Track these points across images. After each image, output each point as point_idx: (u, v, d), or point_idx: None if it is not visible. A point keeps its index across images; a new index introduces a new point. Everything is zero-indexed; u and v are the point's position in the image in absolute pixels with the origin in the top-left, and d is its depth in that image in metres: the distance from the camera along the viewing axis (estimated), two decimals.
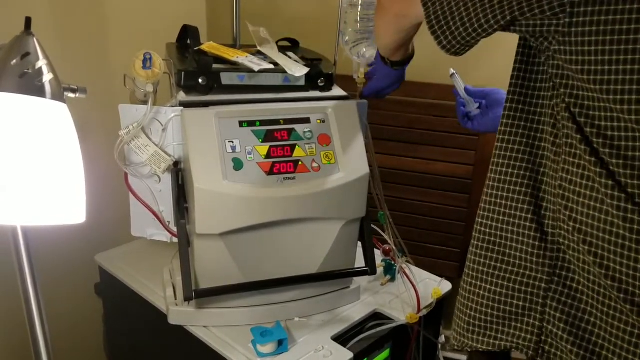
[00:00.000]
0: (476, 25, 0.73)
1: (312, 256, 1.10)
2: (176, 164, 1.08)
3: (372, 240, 1.17)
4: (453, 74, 1.22)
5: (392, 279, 1.31)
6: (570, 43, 0.67)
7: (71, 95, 0.54)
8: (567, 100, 0.70)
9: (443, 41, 0.78)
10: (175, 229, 1.14)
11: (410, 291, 1.24)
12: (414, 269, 1.31)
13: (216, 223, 1.01)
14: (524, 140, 0.78)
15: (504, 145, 0.80)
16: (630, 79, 0.63)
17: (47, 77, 0.49)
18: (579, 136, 0.70)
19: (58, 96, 0.49)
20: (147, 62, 0.96)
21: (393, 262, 1.29)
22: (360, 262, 1.17)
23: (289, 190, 1.02)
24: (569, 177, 0.72)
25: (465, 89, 1.20)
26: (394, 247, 1.25)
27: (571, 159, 0.71)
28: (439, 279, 1.33)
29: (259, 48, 1.23)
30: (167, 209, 1.13)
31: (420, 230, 1.97)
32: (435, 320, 1.30)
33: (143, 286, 1.23)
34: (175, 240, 1.14)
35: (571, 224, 0.72)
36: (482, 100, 1.19)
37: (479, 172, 1.86)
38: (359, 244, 1.17)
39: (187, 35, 1.30)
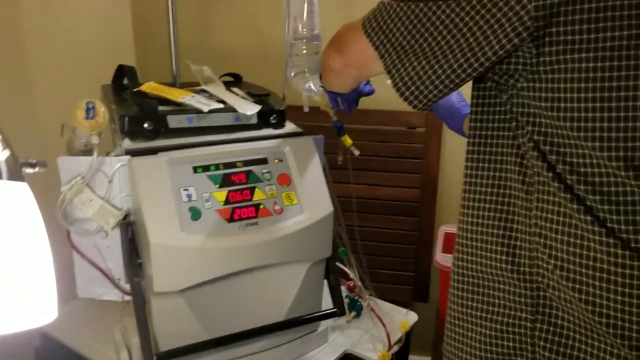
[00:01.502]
0: (447, 82, 0.71)
1: (278, 303, 1.05)
2: (125, 216, 0.99)
3: (339, 280, 1.13)
4: None
5: (358, 315, 1.26)
6: (540, 80, 0.66)
7: (30, 171, 0.47)
8: (535, 138, 0.69)
9: (415, 102, 0.75)
10: (126, 287, 1.05)
11: (378, 326, 1.21)
12: (379, 302, 1.28)
13: (175, 279, 0.93)
14: (490, 182, 0.76)
15: (471, 187, 0.78)
16: (601, 116, 0.63)
17: (2, 155, 0.42)
18: (550, 174, 0.68)
19: (16, 175, 0.42)
20: (89, 111, 0.88)
21: (358, 299, 1.25)
22: (325, 301, 1.12)
23: (253, 236, 0.96)
24: (544, 214, 0.70)
25: None
26: (359, 284, 1.21)
27: (545, 197, 0.70)
28: (404, 310, 1.30)
29: (203, 87, 1.17)
30: (116, 266, 1.04)
31: (371, 257, 1.95)
32: (404, 352, 1.27)
33: (92, 350, 1.12)
34: (128, 298, 1.05)
35: (552, 261, 0.70)
36: None
37: (426, 195, 1.87)
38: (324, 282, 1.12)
39: (123, 75, 1.22)
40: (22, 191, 0.43)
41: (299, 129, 1.13)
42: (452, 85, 0.72)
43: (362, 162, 1.86)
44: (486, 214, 0.77)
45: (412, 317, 1.28)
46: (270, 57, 1.59)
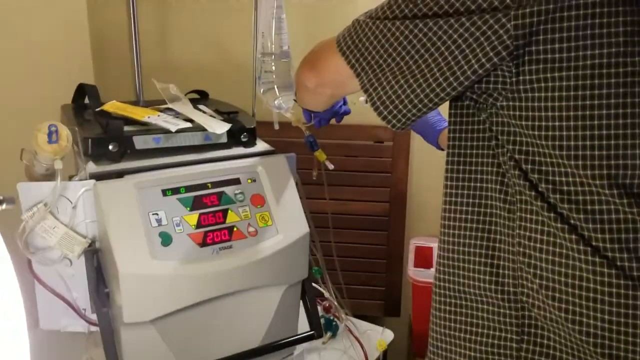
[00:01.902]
0: (426, 101, 0.70)
1: (254, 328, 1.01)
2: (90, 244, 0.94)
3: (315, 301, 1.10)
4: (366, 99, 1.19)
5: (334, 335, 1.24)
6: (520, 99, 0.65)
7: None
8: (516, 157, 0.68)
9: (393, 122, 0.73)
10: (92, 317, 0.99)
11: (355, 346, 1.18)
12: (355, 320, 1.26)
13: (147, 309, 0.89)
14: (470, 200, 0.75)
15: (451, 207, 0.77)
16: (583, 134, 0.63)
17: None
18: (533, 192, 0.68)
19: None
20: (52, 135, 0.83)
21: (334, 319, 1.23)
22: (299, 322, 1.09)
23: (227, 261, 0.92)
24: (527, 233, 0.69)
25: None
26: (335, 304, 1.18)
27: (528, 216, 0.69)
28: (379, 328, 1.28)
29: (169, 105, 1.13)
30: (81, 296, 0.99)
31: (341, 272, 1.93)
32: None
33: None
34: (94, 329, 1.00)
35: (537, 281, 0.69)
36: None
37: (395, 209, 1.86)
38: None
39: (84, 95, 1.17)
40: None
41: (270, 148, 1.10)
42: (431, 105, 0.70)
43: (330, 177, 1.84)
44: (467, 233, 0.75)
45: (388, 335, 1.26)
46: (235, 74, 1.56)
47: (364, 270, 1.91)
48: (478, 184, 0.74)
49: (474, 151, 0.74)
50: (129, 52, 1.27)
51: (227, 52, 1.75)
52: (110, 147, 0.96)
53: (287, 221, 0.99)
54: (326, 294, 1.21)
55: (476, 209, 0.75)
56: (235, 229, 0.95)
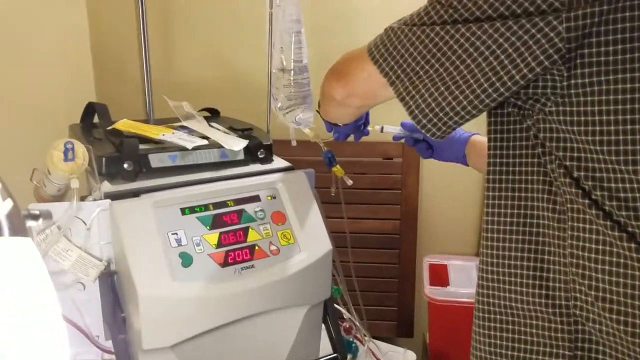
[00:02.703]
0: (470, 108, 0.66)
1: (276, 350, 0.97)
2: (108, 265, 0.90)
3: (338, 322, 1.05)
4: (382, 127, 1.17)
5: (354, 358, 1.19)
6: (571, 103, 0.63)
7: (33, 223, 0.39)
8: (567, 163, 0.65)
9: (433, 130, 0.70)
10: (106, 344, 0.95)
11: None
12: (377, 342, 1.21)
13: (167, 334, 0.84)
14: (516, 211, 0.72)
15: (494, 218, 0.74)
16: None
17: (5, 206, 0.34)
18: (586, 200, 0.64)
19: (20, 229, 0.34)
20: (68, 152, 0.79)
21: (354, 340, 1.18)
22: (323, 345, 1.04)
23: (250, 281, 0.88)
24: (580, 243, 0.66)
25: (403, 125, 1.15)
26: (356, 324, 1.14)
27: (581, 225, 0.66)
28: (401, 349, 1.23)
29: (183, 123, 1.10)
30: (94, 322, 0.94)
31: (355, 292, 1.88)
32: None
33: None
34: (108, 357, 0.95)
35: (592, 293, 0.65)
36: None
37: (406, 226, 1.82)
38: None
39: (93, 114, 1.14)
40: (27, 248, 0.35)
41: (288, 164, 1.07)
42: (474, 112, 0.67)
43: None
44: (513, 245, 0.72)
45: (410, 356, 1.21)
46: (246, 90, 1.54)
47: (376, 290, 1.87)
48: (523, 194, 0.71)
49: (518, 160, 0.71)
50: (134, 70, 1.24)
51: (236, 69, 1.73)
52: (126, 165, 0.93)
53: (310, 238, 0.95)
54: (346, 315, 1.17)
55: (522, 219, 0.71)
56: (256, 247, 0.91)
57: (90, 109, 1.14)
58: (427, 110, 0.69)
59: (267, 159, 1.05)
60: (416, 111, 0.69)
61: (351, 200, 1.82)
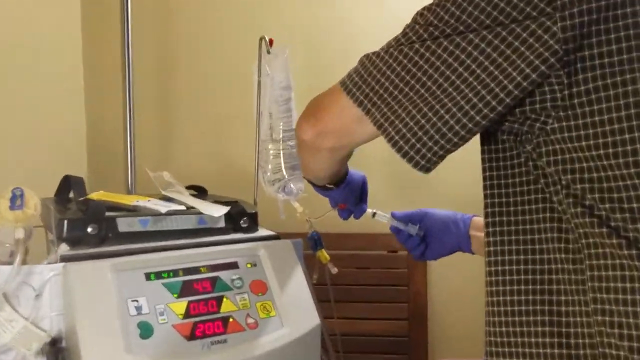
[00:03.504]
0: (458, 128, 0.58)
1: None
2: (54, 342, 0.78)
3: None
4: (374, 213, 1.07)
5: None
6: (575, 116, 0.55)
7: None
8: (577, 189, 0.56)
9: (417, 158, 0.61)
10: None
11: None
12: None
13: None
14: (521, 257, 0.61)
15: (498, 268, 0.63)
16: None
17: None
18: (604, 229, 0.54)
19: None
20: (16, 199, 0.71)
21: None
22: None
23: (221, 357, 0.75)
24: (604, 284, 0.54)
25: (396, 216, 1.05)
26: None
27: (601, 262, 0.54)
28: None
29: (162, 192, 1.02)
30: None
31: None
32: None
33: None
34: None
35: (625, 343, 0.53)
36: (418, 222, 1.03)
37: (415, 328, 1.66)
38: None
39: (69, 187, 1.07)
40: None
41: (274, 233, 0.97)
42: (464, 133, 0.58)
43: (341, 292, 1.67)
44: (523, 298, 0.60)
45: None
46: (237, 174, 1.47)
47: None
48: (529, 237, 0.60)
49: (519, 198, 0.61)
50: (124, 144, 1.18)
51: (228, 156, 1.68)
52: (90, 229, 0.84)
53: (294, 312, 0.83)
54: None
55: (530, 266, 0.60)
56: (231, 319, 0.79)
57: (66, 183, 1.07)
58: (409, 136, 0.60)
59: (251, 228, 0.96)
60: (396, 137, 0.61)
61: (352, 298, 1.68)
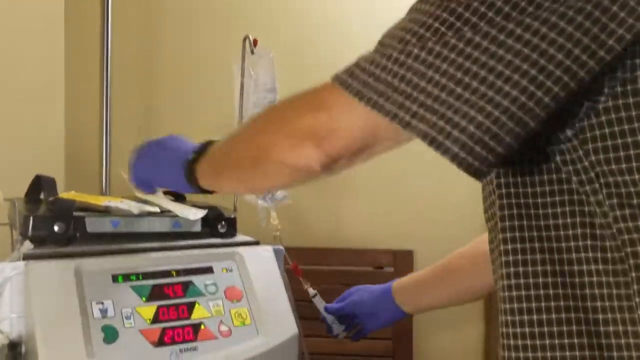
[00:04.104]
0: (522, 114, 0.48)
1: None
2: (14, 346, 0.72)
3: None
4: (315, 294, 1.04)
5: None
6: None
7: None
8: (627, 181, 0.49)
9: (470, 160, 0.50)
10: None
11: None
12: None
13: None
14: (549, 268, 0.53)
15: (521, 290, 0.55)
16: None
17: None
18: None
19: None
20: None
21: None
22: None
23: None
24: None
25: (326, 309, 1.03)
26: None
27: None
28: None
29: (138, 195, 0.98)
30: None
31: None
32: None
33: None
34: None
35: None
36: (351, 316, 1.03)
37: (400, 347, 1.61)
38: None
39: (40, 187, 1.02)
40: None
41: (253, 239, 0.92)
42: (530, 120, 0.49)
43: None
44: (554, 316, 0.53)
45: None
46: None
47: None
48: (554, 244, 0.53)
49: (541, 200, 0.54)
50: (99, 147, 1.15)
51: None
52: (56, 228, 0.79)
53: (271, 320, 0.79)
54: None
55: (559, 279, 0.53)
56: (202, 326, 0.74)
57: (37, 183, 1.03)
58: (460, 136, 0.49)
59: (229, 234, 0.91)
60: (443, 140, 0.50)
61: None
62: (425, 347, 1.67)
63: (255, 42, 1.04)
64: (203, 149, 0.72)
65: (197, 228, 0.89)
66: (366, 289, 1.03)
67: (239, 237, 0.93)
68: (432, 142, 0.50)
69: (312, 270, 1.66)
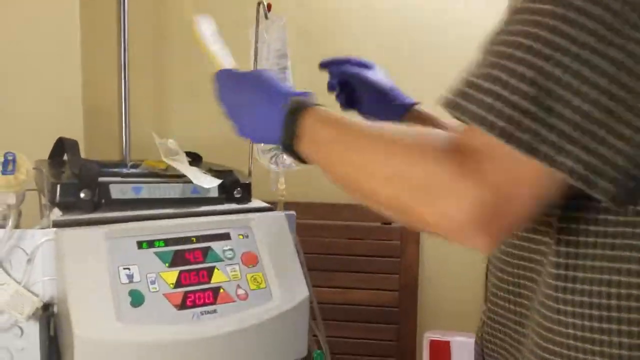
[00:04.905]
0: None
1: None
2: (46, 307, 0.78)
3: None
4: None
5: None
6: None
7: None
8: None
9: (613, 190, 0.46)
10: None
11: None
12: None
13: None
14: (604, 290, 0.52)
15: (576, 307, 0.53)
16: None
17: None
18: None
19: None
20: (8, 164, 0.70)
21: None
22: None
23: (210, 327, 0.76)
24: None
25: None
26: None
27: None
28: None
29: (164, 159, 1.02)
30: None
31: None
32: None
33: None
34: None
35: None
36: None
37: (405, 299, 1.69)
38: None
39: (63, 150, 1.06)
40: None
41: (267, 205, 0.97)
42: None
43: (334, 263, 1.69)
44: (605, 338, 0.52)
45: None
46: (233, 141, 1.47)
47: None
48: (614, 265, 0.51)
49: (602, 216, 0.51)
50: (119, 110, 1.17)
51: (224, 122, 1.67)
52: (82, 194, 0.83)
53: (284, 284, 0.84)
54: None
55: (614, 302, 0.52)
56: (221, 290, 0.80)
57: (60, 145, 1.07)
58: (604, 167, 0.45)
59: (244, 199, 0.96)
60: (585, 171, 0.45)
61: (344, 268, 1.70)
62: (430, 300, 1.74)
63: (269, 6, 1.05)
64: (303, 105, 0.64)
65: (214, 194, 0.93)
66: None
67: (254, 202, 0.97)
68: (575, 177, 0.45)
69: (321, 225, 1.72)
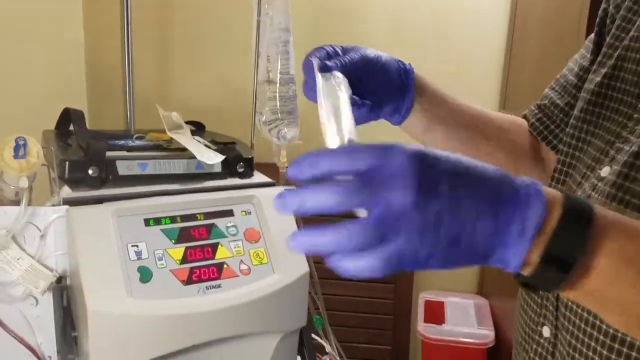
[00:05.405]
0: None
1: None
2: (59, 279, 0.83)
3: (315, 355, 0.97)
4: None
5: None
6: None
7: None
8: None
9: None
10: None
11: None
12: None
13: (119, 356, 0.76)
14: None
15: None
16: None
17: None
18: None
19: None
20: (20, 149, 0.73)
21: None
22: None
23: (215, 301, 0.80)
24: None
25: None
26: (337, 359, 1.05)
27: None
28: None
29: (168, 133, 1.04)
30: (47, 341, 0.86)
31: (343, 329, 1.78)
32: None
33: None
34: None
35: None
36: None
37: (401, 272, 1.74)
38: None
39: (69, 120, 1.08)
40: None
41: (270, 180, 1.00)
42: None
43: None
44: None
45: None
46: (236, 107, 1.48)
47: (369, 327, 1.77)
48: None
49: None
50: (123, 79, 1.19)
51: (229, 85, 1.68)
52: (90, 171, 0.86)
53: (285, 260, 0.88)
54: (327, 348, 1.08)
55: None
56: (225, 266, 0.84)
57: (66, 116, 1.09)
58: None
59: (247, 174, 0.98)
60: None
61: None
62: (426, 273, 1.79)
63: None
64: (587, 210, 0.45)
65: (218, 169, 0.96)
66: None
67: (257, 177, 1.00)
68: None
69: None
